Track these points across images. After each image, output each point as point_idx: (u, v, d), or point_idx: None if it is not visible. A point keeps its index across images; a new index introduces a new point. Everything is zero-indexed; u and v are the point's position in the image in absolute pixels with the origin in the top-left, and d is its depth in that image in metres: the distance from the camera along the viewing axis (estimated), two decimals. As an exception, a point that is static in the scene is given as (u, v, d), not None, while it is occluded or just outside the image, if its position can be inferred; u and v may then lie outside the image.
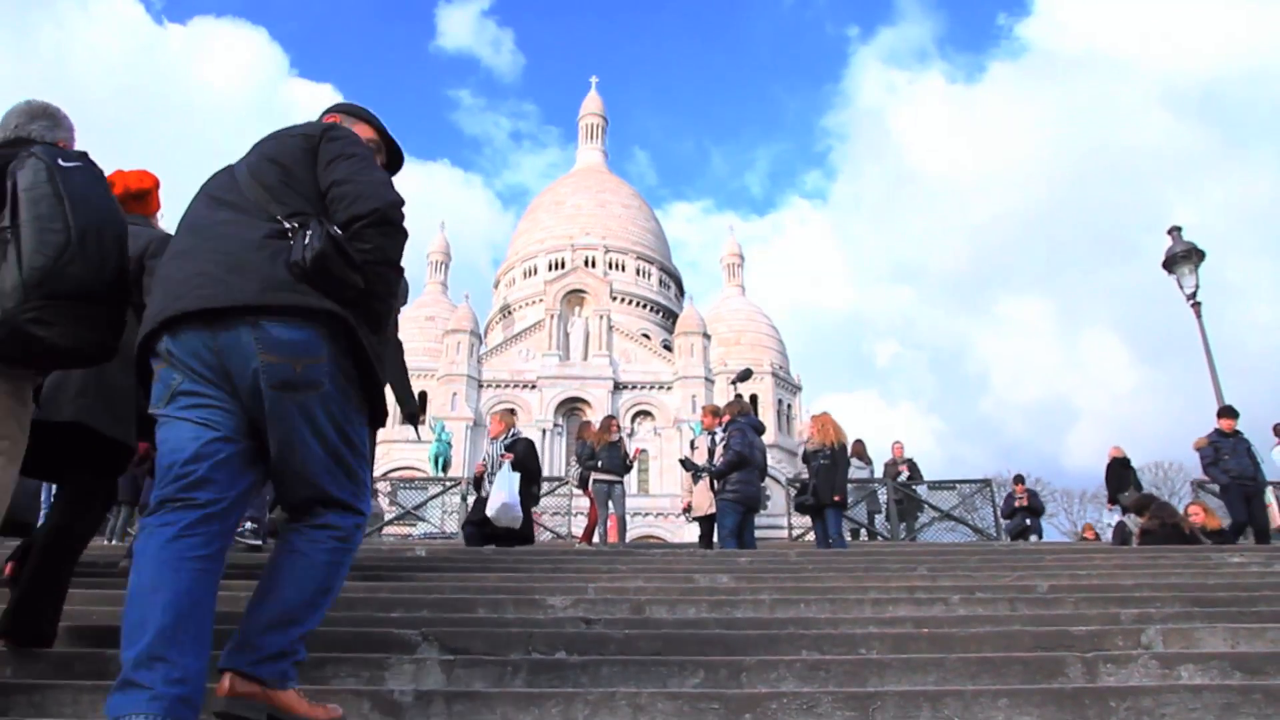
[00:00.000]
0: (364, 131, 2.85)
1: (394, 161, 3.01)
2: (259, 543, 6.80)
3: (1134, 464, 15.94)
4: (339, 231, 2.35)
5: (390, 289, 2.51)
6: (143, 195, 3.84)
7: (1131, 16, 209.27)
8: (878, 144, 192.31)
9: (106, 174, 3.07)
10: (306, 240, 2.32)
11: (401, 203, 2.53)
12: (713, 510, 10.66)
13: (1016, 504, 16.00)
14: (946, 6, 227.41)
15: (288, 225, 2.39)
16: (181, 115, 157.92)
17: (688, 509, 11.88)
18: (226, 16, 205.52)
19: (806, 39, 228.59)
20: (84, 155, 2.80)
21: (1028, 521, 15.85)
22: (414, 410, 5.75)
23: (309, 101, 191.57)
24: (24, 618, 3.07)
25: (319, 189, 2.50)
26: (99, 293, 2.61)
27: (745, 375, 18.32)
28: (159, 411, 2.35)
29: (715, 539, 10.34)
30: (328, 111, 2.95)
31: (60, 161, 2.65)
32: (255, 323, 2.29)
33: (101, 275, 2.61)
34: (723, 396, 62.12)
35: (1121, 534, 12.84)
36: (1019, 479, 16.64)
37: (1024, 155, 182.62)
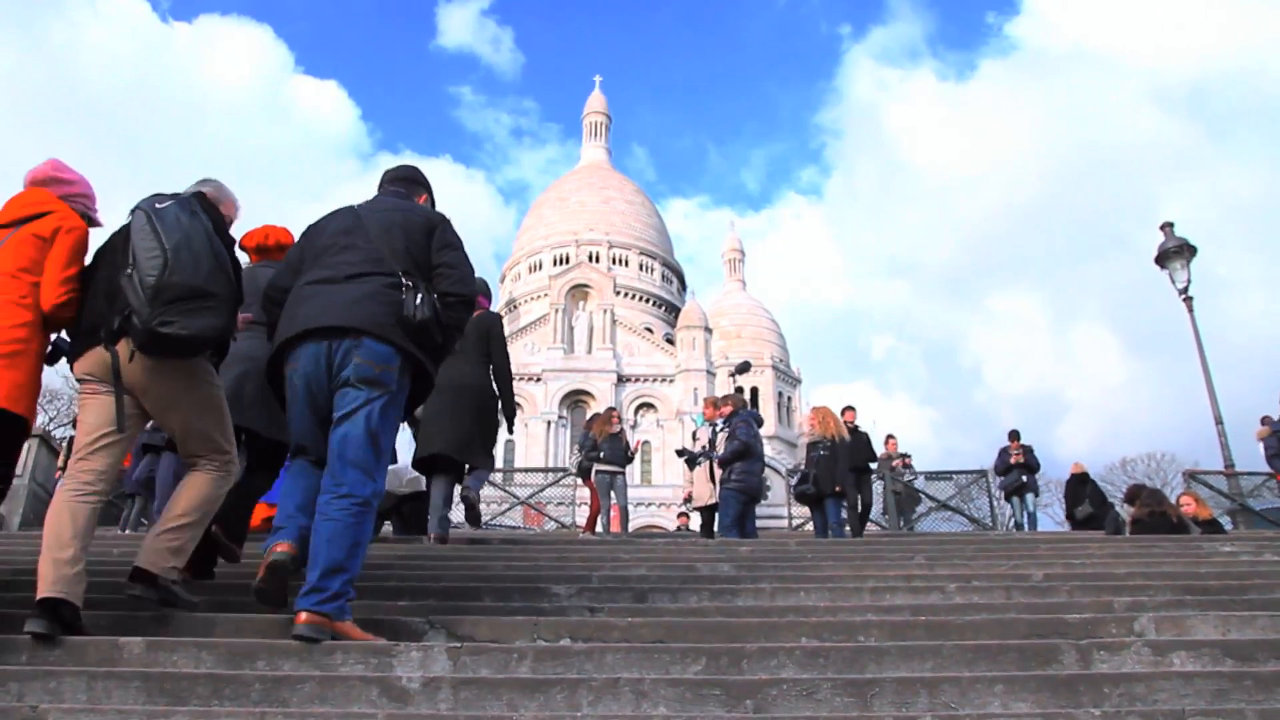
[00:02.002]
0: (423, 198, 4.00)
1: (433, 195, 4.09)
2: None
3: (1130, 454, 15.75)
4: (437, 300, 3.39)
5: (453, 343, 3.62)
6: (285, 248, 4.73)
7: (1119, 15, 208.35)
8: (871, 141, 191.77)
9: (259, 226, 4.94)
10: (418, 302, 3.33)
11: (477, 290, 3.77)
12: (713, 500, 10.67)
13: (1013, 459, 14.87)
14: (937, 6, 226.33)
15: (404, 282, 3.37)
16: (188, 111, 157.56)
17: (689, 499, 11.90)
18: (232, 14, 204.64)
19: (800, 37, 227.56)
20: (175, 196, 3.51)
21: (1024, 478, 14.76)
22: (513, 414, 7.05)
23: (314, 98, 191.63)
24: (223, 548, 4.18)
25: (428, 257, 3.52)
26: (201, 288, 3.27)
27: (744, 368, 18.35)
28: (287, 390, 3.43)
29: (716, 528, 10.34)
30: (418, 182, 4.03)
31: (156, 205, 3.37)
32: (360, 340, 3.28)
33: (198, 275, 3.27)
34: (724, 389, 62.10)
35: (1114, 524, 12.84)
36: (1014, 434, 15.33)
37: (1015, 151, 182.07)
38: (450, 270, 3.51)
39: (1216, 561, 5.80)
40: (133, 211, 3.40)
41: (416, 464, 6.72)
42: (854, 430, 12.05)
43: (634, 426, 56.64)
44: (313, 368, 3.33)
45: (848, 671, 2.95)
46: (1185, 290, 15.64)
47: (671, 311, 73.93)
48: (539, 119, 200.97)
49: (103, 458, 3.34)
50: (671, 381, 62.22)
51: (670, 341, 66.59)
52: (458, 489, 6.67)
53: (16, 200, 3.70)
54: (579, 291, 66.62)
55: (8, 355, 3.34)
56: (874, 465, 12.73)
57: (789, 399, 69.28)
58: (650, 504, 50.41)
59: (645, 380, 62.89)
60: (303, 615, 3.02)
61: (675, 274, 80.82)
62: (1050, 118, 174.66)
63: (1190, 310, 15.48)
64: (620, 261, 74.83)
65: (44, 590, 3.04)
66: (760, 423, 10.82)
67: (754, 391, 65.20)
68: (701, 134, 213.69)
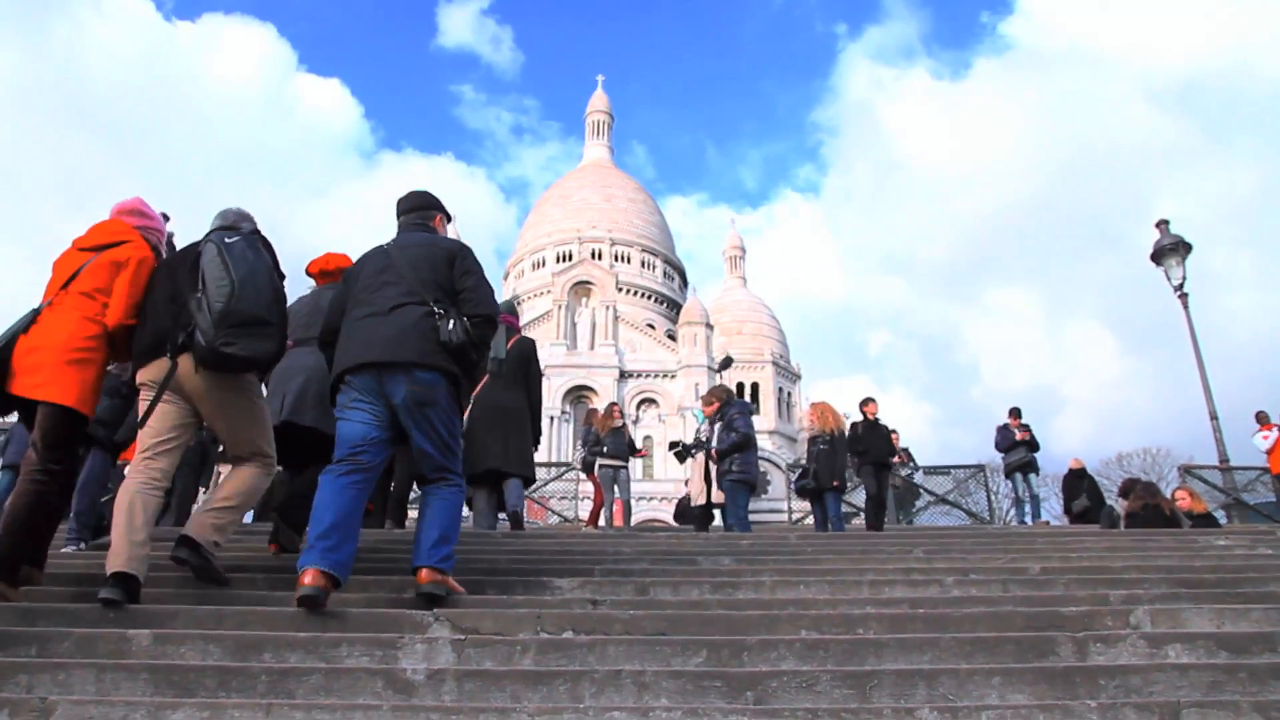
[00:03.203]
0: (438, 220, 4.46)
1: (445, 211, 4.53)
2: (78, 547, 5.69)
3: (1126, 449, 15.71)
4: (468, 323, 3.89)
5: (482, 358, 4.15)
6: (344, 271, 5.02)
7: (1112, 14, 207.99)
8: (867, 139, 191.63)
9: (323, 254, 5.67)
10: (451, 327, 3.83)
11: (499, 309, 4.28)
12: (704, 499, 10.67)
13: (1018, 436, 14.04)
14: (931, 5, 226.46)
15: (437, 310, 3.87)
16: (192, 110, 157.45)
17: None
18: (235, 13, 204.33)
19: (796, 37, 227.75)
20: (239, 230, 4.06)
21: (1029, 457, 14.00)
22: (539, 434, 7.85)
23: (316, 96, 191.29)
24: (284, 534, 4.87)
25: (452, 284, 4.00)
26: (262, 317, 3.83)
27: (726, 363, 18.46)
28: (340, 413, 3.86)
29: (724, 521, 10.28)
30: (431, 206, 4.45)
31: (225, 239, 3.92)
32: (409, 370, 3.77)
33: (260, 305, 3.82)
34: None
35: (1110, 518, 12.83)
36: (1014, 411, 14.53)
37: (1010, 149, 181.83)
38: (472, 294, 4.01)
39: (1211, 555, 5.79)
40: (204, 242, 3.94)
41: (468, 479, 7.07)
42: (874, 424, 11.76)
43: (636, 422, 56.61)
44: (369, 390, 3.82)
45: (847, 663, 2.95)
46: (1180, 287, 15.61)
47: (673, 308, 73.87)
48: (539, 117, 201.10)
49: (167, 459, 3.88)
50: (673, 377, 62.19)
51: (672, 337, 66.55)
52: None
53: (100, 227, 4.22)
54: (582, 288, 66.57)
55: (77, 362, 3.80)
56: (893, 460, 12.26)
57: (789, 394, 69.19)
58: (652, 498, 50.37)
59: (647, 376, 62.87)
60: (424, 573, 3.60)
61: (677, 271, 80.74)
62: (1044, 115, 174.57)
63: (1186, 307, 15.45)
64: (622, 258, 74.77)
65: (118, 565, 3.48)
66: (752, 413, 10.79)
67: (754, 387, 65.21)
68: (700, 132, 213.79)
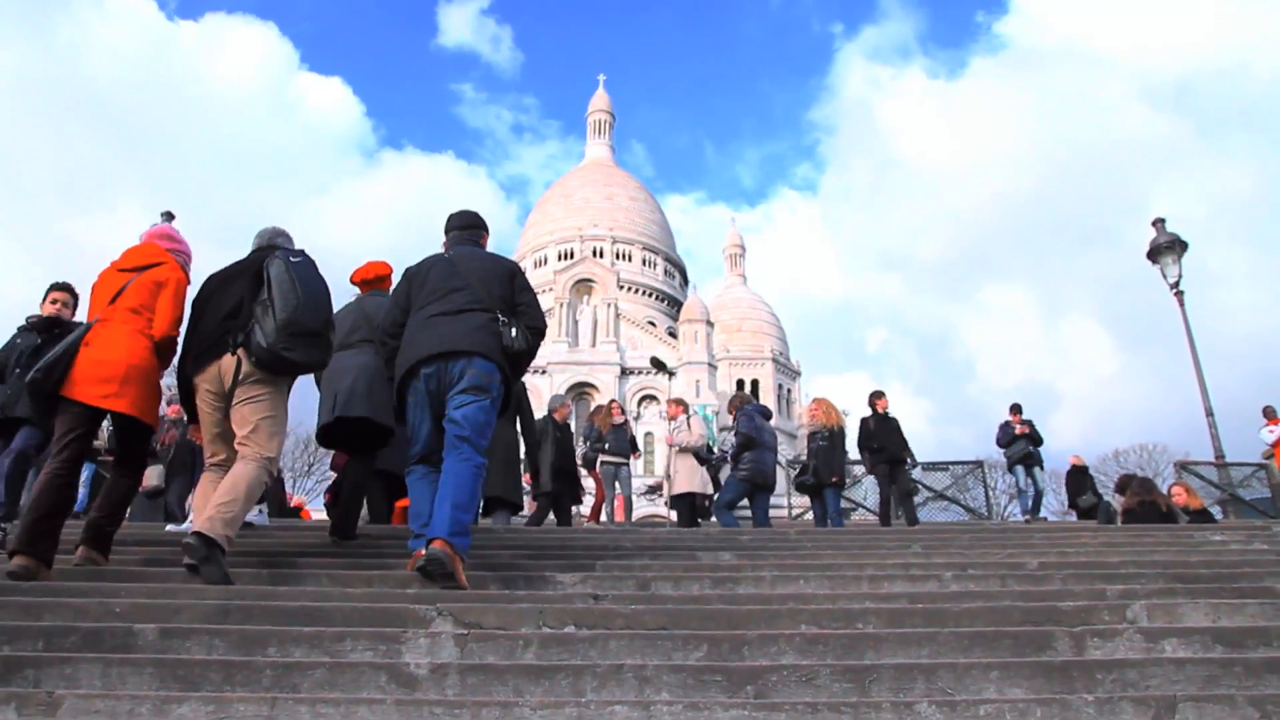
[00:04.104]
0: (485, 239, 5.04)
1: (488, 230, 5.12)
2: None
3: (1122, 445, 15.72)
4: (529, 331, 4.50)
5: (531, 360, 4.68)
6: (383, 278, 6.12)
7: (1106, 13, 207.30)
8: (864, 137, 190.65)
9: (366, 263, 6.18)
10: (514, 334, 4.42)
11: (546, 324, 4.92)
12: (690, 489, 10.70)
13: (1017, 430, 13.79)
14: (927, 5, 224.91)
15: (502, 319, 4.44)
16: (195, 108, 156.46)
17: (659, 488, 11.71)
18: (237, 13, 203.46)
19: (793, 36, 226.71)
20: (302, 252, 4.59)
21: (1030, 449, 13.69)
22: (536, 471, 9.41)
23: (318, 95, 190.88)
24: (343, 523, 5.48)
25: (511, 297, 4.56)
26: (318, 330, 4.34)
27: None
28: (413, 413, 4.41)
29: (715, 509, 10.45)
30: (481, 225, 5.05)
31: (291, 258, 4.43)
32: (471, 358, 4.29)
33: (318, 320, 4.34)
34: (725, 382, 62.19)
35: (1106, 514, 12.83)
36: (1015, 408, 14.19)
37: (1005, 148, 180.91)
38: (530, 309, 4.60)
39: (1207, 550, 5.80)
40: (270, 258, 4.41)
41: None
42: (885, 418, 11.22)
43: (636, 418, 56.64)
44: (435, 382, 4.31)
45: (846, 658, 2.94)
46: (1176, 285, 15.60)
47: (674, 305, 73.91)
48: (539, 115, 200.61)
49: (226, 449, 4.43)
50: (674, 374, 62.26)
51: (673, 335, 66.60)
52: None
53: (137, 251, 4.69)
54: (583, 286, 66.62)
55: (137, 378, 4.30)
56: (909, 458, 11.45)
57: (789, 391, 69.22)
58: (653, 494, 50.36)
59: (648, 373, 62.82)
60: (437, 541, 3.89)
61: (677, 269, 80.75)
62: (1040, 114, 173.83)
63: (1182, 304, 15.44)
64: (624, 256, 74.79)
65: (197, 527, 3.99)
66: (767, 415, 10.80)
67: (754, 384, 65.23)
68: (698, 130, 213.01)
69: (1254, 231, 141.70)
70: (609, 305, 65.37)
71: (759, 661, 2.89)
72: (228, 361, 4.29)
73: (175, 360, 4.61)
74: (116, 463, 4.58)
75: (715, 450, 13.14)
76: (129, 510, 11.92)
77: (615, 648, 3.00)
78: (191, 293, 4.70)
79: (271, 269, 4.32)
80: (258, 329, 4.22)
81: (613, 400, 14.20)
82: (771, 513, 10.55)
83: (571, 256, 71.74)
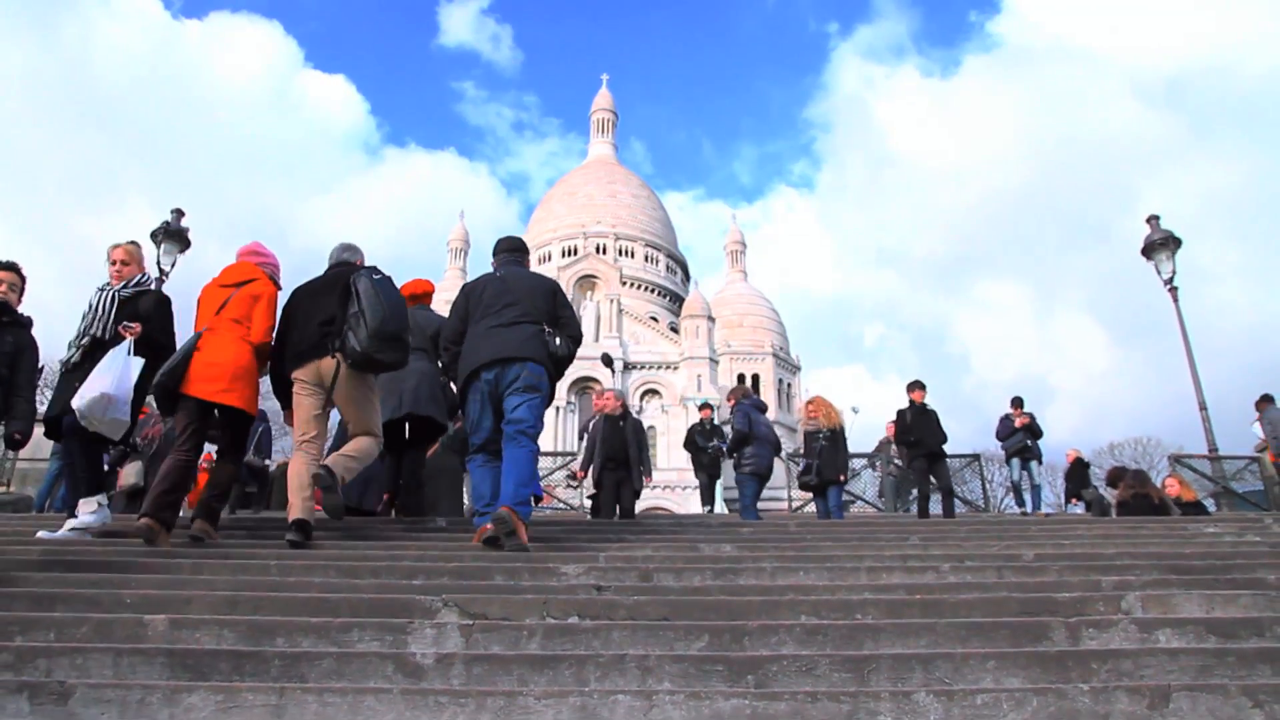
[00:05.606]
0: (528, 260, 5.88)
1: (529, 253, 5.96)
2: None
3: (1116, 439, 15.67)
4: (569, 340, 5.30)
5: (570, 364, 5.39)
6: (428, 295, 7.24)
7: (1098, 12, 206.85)
8: (860, 135, 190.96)
9: (409, 280, 7.00)
10: (559, 343, 5.24)
11: (583, 333, 5.57)
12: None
13: (1017, 423, 13.42)
14: (921, 4, 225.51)
15: (547, 330, 5.26)
16: (200, 107, 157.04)
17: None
18: (242, 11, 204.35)
19: (789, 35, 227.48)
20: (376, 269, 5.26)
21: (1029, 442, 13.34)
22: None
23: (322, 93, 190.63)
24: (408, 499, 6.72)
25: (554, 312, 5.38)
26: (401, 335, 5.05)
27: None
28: (470, 409, 5.26)
29: (728, 508, 10.41)
30: (525, 249, 5.83)
31: (374, 275, 5.14)
32: (525, 363, 5.09)
33: (400, 328, 5.03)
34: (726, 377, 62.12)
35: (1101, 506, 12.82)
36: (1017, 401, 13.75)
37: (999, 145, 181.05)
38: (570, 322, 5.44)
39: (1201, 542, 5.79)
40: (357, 276, 5.12)
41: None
42: (923, 409, 10.72)
43: (639, 412, 56.62)
44: (493, 383, 5.12)
45: (846, 648, 2.94)
46: (1170, 280, 15.58)
47: (676, 301, 73.84)
48: (539, 113, 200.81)
49: (317, 444, 5.13)
50: (676, 369, 62.21)
51: (675, 330, 66.49)
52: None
53: (234, 269, 5.48)
54: (586, 282, 66.54)
55: (244, 377, 5.09)
56: (945, 448, 10.85)
57: (789, 385, 69.18)
58: (655, 487, 50.32)
59: (650, 368, 62.91)
60: (504, 508, 4.62)
61: (679, 265, 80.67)
62: (1033, 112, 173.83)
63: (1175, 300, 15.42)
64: (626, 253, 74.73)
65: (296, 514, 4.81)
66: (763, 409, 10.77)
67: (755, 379, 65.15)
68: (696, 128, 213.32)
69: (1245, 227, 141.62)
70: (612, 301, 65.29)
71: (759, 651, 2.89)
72: (327, 363, 5.06)
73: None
74: (220, 453, 5.36)
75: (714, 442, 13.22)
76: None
77: (618, 638, 3.00)
78: (282, 298, 5.47)
79: (360, 285, 5.04)
80: (351, 335, 4.93)
81: (608, 390, 14.17)
82: (772, 505, 10.56)
83: (575, 253, 71.67)
